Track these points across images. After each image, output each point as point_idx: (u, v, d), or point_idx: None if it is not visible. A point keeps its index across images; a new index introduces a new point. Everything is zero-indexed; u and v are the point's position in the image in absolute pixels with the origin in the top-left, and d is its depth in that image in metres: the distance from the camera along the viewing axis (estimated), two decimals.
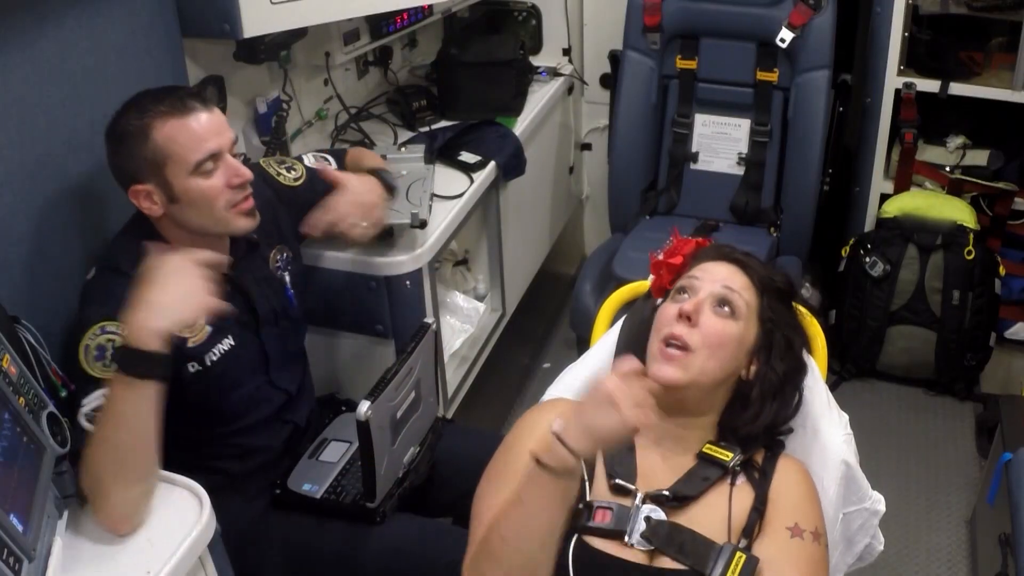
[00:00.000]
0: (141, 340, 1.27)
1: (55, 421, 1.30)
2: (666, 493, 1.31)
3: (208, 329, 1.56)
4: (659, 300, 1.47)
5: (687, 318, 1.33)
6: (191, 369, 1.55)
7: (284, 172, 1.81)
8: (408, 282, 1.98)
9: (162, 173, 1.46)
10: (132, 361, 1.27)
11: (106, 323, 1.41)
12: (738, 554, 1.23)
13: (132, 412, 1.29)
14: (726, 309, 1.35)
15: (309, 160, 1.88)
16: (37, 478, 1.24)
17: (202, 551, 1.34)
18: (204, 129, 1.48)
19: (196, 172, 1.48)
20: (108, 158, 1.50)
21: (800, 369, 1.43)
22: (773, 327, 1.39)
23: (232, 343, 1.60)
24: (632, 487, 1.32)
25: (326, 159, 1.91)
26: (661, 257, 1.50)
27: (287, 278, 1.76)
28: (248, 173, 1.54)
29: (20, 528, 1.16)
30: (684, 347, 1.32)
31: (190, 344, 1.54)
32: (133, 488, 1.31)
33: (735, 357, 1.35)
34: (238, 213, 1.54)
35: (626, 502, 1.30)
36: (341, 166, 1.92)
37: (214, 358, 1.58)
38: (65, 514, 1.34)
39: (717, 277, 1.38)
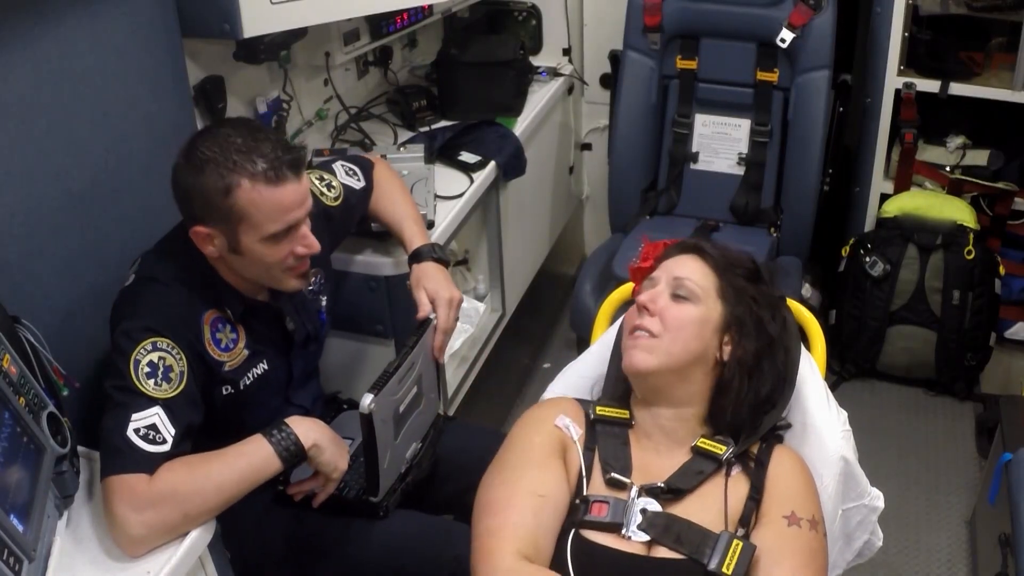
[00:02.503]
0: (310, 444, 1.46)
1: (55, 421, 1.30)
2: (661, 485, 1.32)
3: (246, 353, 1.57)
4: None
5: (646, 309, 1.37)
6: (224, 392, 1.55)
7: (325, 191, 1.77)
8: (408, 282, 1.98)
9: (234, 229, 1.45)
10: (298, 456, 1.45)
11: (157, 339, 1.40)
12: (735, 542, 1.25)
13: (258, 480, 1.41)
14: (682, 294, 1.38)
15: (340, 173, 1.84)
16: (37, 478, 1.24)
17: (202, 551, 1.35)
18: (290, 202, 1.45)
19: (268, 239, 1.46)
20: (176, 181, 1.46)
21: (773, 344, 1.43)
22: (736, 303, 1.41)
23: (265, 367, 1.61)
24: (627, 480, 1.33)
25: (354, 172, 1.87)
26: (637, 264, 1.55)
27: (322, 302, 1.77)
28: (316, 246, 1.53)
29: (20, 528, 1.16)
30: (649, 333, 1.36)
31: (227, 368, 1.54)
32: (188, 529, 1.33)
33: (700, 337, 1.37)
34: (292, 276, 1.55)
35: (622, 495, 1.32)
36: (368, 182, 1.88)
37: (247, 382, 1.58)
38: (65, 514, 1.34)
39: (671, 268, 1.42)
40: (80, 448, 1.41)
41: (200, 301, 1.51)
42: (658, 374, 1.36)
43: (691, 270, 1.41)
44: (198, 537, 1.33)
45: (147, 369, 1.38)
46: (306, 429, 1.46)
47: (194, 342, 1.47)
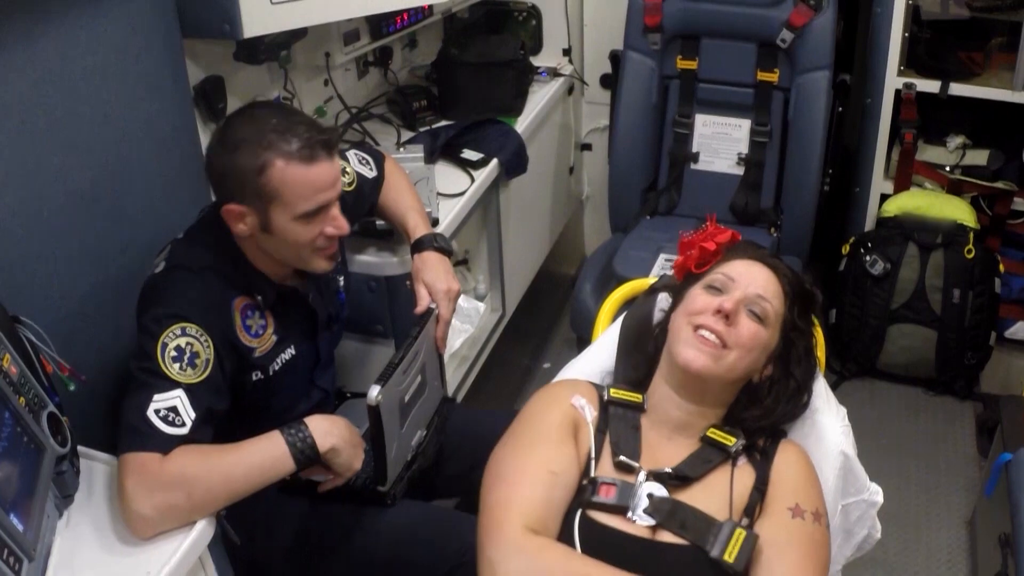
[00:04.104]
0: (326, 448, 1.45)
1: (55, 421, 1.30)
2: (668, 471, 1.33)
3: (274, 339, 1.58)
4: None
5: (725, 316, 1.35)
6: (254, 378, 1.56)
7: (340, 177, 1.79)
8: (408, 282, 1.97)
9: (266, 208, 1.46)
10: (313, 459, 1.44)
11: (186, 325, 1.41)
12: (738, 530, 1.26)
13: (269, 478, 1.41)
14: (757, 313, 1.37)
15: (354, 161, 1.85)
16: (37, 478, 1.24)
17: (202, 551, 1.35)
18: (322, 181, 1.47)
19: (299, 218, 1.48)
20: (210, 161, 1.49)
21: (813, 372, 1.46)
22: (796, 337, 1.42)
23: (293, 352, 1.63)
24: (636, 464, 1.34)
25: (367, 161, 1.89)
26: (692, 238, 1.51)
27: (340, 282, 1.78)
28: (345, 227, 1.54)
29: (20, 528, 1.16)
30: (721, 342, 1.34)
31: (257, 354, 1.55)
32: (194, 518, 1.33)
33: (758, 361, 1.39)
34: (322, 257, 1.56)
35: (630, 479, 1.33)
36: (380, 173, 1.90)
37: (276, 367, 1.59)
38: (65, 514, 1.34)
39: (753, 280, 1.40)
40: (80, 448, 1.41)
41: (230, 288, 1.52)
42: (710, 380, 1.36)
43: (772, 293, 1.40)
44: (199, 536, 1.33)
45: (174, 353, 1.39)
46: (324, 432, 1.46)
47: (226, 330, 1.49)
